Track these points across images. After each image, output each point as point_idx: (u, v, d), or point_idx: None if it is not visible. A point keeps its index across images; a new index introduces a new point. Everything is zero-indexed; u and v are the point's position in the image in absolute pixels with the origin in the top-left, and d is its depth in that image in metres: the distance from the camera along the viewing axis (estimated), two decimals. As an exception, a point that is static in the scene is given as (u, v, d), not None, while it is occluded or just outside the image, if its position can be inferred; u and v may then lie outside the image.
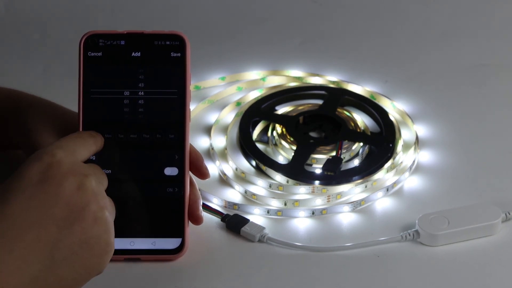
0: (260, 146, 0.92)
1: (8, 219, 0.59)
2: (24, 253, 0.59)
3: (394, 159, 0.89)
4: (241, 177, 0.87)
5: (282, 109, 0.97)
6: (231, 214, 0.81)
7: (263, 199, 0.84)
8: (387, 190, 0.85)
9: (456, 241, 0.78)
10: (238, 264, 0.76)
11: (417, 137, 0.92)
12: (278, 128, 0.93)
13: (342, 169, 0.87)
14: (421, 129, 0.94)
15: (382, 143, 0.91)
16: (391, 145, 0.90)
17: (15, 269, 0.58)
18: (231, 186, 0.87)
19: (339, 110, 0.96)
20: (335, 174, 0.86)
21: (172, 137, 0.75)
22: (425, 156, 0.90)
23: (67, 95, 0.81)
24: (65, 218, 0.61)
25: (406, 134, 0.93)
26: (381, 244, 0.78)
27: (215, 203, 0.84)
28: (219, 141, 0.93)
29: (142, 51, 0.75)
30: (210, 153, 0.91)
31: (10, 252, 0.58)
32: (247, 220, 0.80)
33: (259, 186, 0.86)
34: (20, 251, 0.59)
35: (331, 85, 1.02)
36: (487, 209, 0.80)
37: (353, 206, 0.83)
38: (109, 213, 0.65)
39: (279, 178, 0.87)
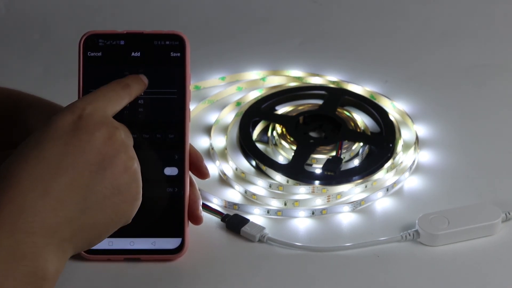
0: (260, 146, 0.92)
1: (43, 163, 0.61)
2: (59, 195, 0.61)
3: (394, 159, 0.89)
4: (241, 177, 0.87)
5: (282, 109, 0.97)
6: (231, 214, 0.81)
7: (263, 199, 0.84)
8: (387, 190, 0.85)
9: (456, 241, 0.78)
10: (238, 264, 0.76)
11: (417, 137, 0.92)
12: (278, 128, 0.93)
13: (342, 169, 0.87)
14: (421, 129, 0.94)
15: (382, 143, 0.91)
16: (391, 145, 0.90)
17: (51, 209, 0.60)
18: (231, 186, 0.87)
19: (339, 110, 0.96)
20: (335, 174, 0.86)
21: (172, 137, 0.75)
22: (425, 156, 0.90)
23: (67, 95, 0.81)
24: (98, 164, 0.63)
25: (406, 134, 0.93)
26: (381, 244, 0.78)
27: (215, 203, 0.84)
28: (219, 141, 0.93)
29: (142, 51, 0.75)
30: (210, 153, 0.91)
31: (46, 193, 0.60)
32: (247, 220, 0.80)
33: (259, 186, 0.86)
34: (56, 193, 0.61)
35: (331, 85, 1.02)
36: (487, 209, 0.80)
37: (353, 206, 0.83)
38: (137, 164, 0.67)
39: (279, 178, 0.87)
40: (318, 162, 0.88)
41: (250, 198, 0.85)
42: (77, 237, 0.62)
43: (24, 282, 0.58)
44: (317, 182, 0.86)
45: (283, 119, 0.94)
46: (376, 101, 0.98)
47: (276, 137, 0.92)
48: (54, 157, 0.62)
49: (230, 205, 0.83)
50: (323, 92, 1.00)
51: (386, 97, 0.99)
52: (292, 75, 1.04)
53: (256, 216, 0.82)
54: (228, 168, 0.89)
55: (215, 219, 0.81)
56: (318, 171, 0.87)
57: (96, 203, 0.63)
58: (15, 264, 0.58)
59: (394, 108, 0.98)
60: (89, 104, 0.65)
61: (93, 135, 0.63)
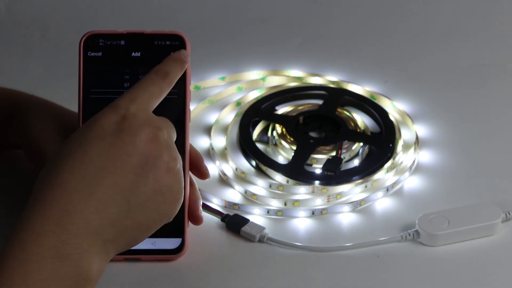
0: (260, 146, 0.92)
1: (88, 165, 0.61)
2: (103, 197, 0.61)
3: (394, 159, 0.89)
4: (241, 177, 0.87)
5: (282, 109, 0.97)
6: (231, 214, 0.81)
7: (263, 199, 0.84)
8: (387, 190, 0.85)
9: (456, 241, 0.78)
10: (238, 264, 0.76)
11: (417, 137, 0.92)
12: (278, 128, 0.93)
13: (342, 169, 0.87)
14: (421, 129, 0.94)
15: (382, 143, 0.91)
16: (391, 145, 0.90)
17: (95, 211, 0.61)
18: (231, 186, 0.87)
19: (339, 110, 0.96)
20: (335, 174, 0.86)
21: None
22: (425, 156, 0.90)
23: (67, 95, 0.81)
24: (141, 166, 0.63)
25: (406, 134, 0.93)
26: (381, 244, 0.78)
27: (215, 203, 0.84)
28: (219, 141, 0.93)
29: (142, 51, 0.75)
30: (210, 153, 0.91)
31: (90, 195, 0.61)
32: (247, 220, 0.80)
33: (259, 186, 0.86)
34: (100, 195, 0.61)
35: (331, 85, 1.02)
36: (487, 209, 0.80)
37: (353, 206, 0.83)
38: (180, 164, 0.67)
39: (279, 178, 0.87)
40: (318, 162, 0.88)
41: (250, 198, 0.85)
42: (120, 238, 0.63)
43: (68, 282, 0.59)
44: (317, 182, 0.86)
45: (283, 119, 0.94)
46: (376, 101, 0.98)
47: (276, 137, 0.92)
48: (98, 159, 0.62)
49: (230, 205, 0.83)
50: (323, 92, 1.00)
51: (386, 97, 0.99)
52: (292, 75, 1.04)
53: (256, 216, 0.82)
54: (228, 168, 0.89)
55: (215, 219, 0.81)
56: (318, 171, 0.87)
57: (139, 205, 0.63)
58: (60, 264, 0.58)
59: (394, 108, 0.98)
60: (132, 102, 0.65)
61: (136, 136, 0.64)
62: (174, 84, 0.70)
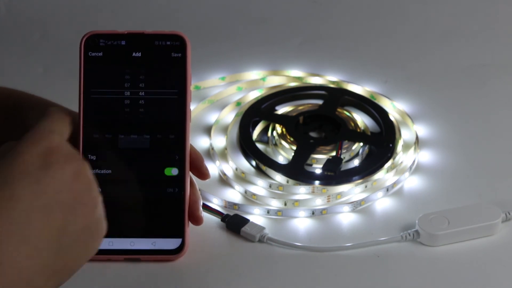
0: (260, 146, 0.92)
1: (16, 205, 0.58)
2: (35, 241, 0.58)
3: (394, 159, 0.89)
4: (241, 177, 0.87)
5: (282, 109, 0.97)
6: (231, 214, 0.81)
7: (263, 199, 0.84)
8: (387, 190, 0.85)
9: (456, 241, 0.78)
10: (238, 264, 0.76)
11: (417, 137, 0.92)
12: (278, 128, 0.93)
13: (342, 169, 0.87)
14: (421, 129, 0.94)
15: (382, 143, 0.91)
16: (391, 145, 0.90)
17: (27, 257, 0.57)
18: (231, 186, 0.87)
19: (339, 110, 0.96)
20: (335, 174, 0.86)
21: (173, 137, 0.75)
22: (425, 156, 0.90)
23: (67, 95, 0.81)
24: (70, 203, 0.60)
25: (406, 134, 0.93)
26: (381, 244, 0.78)
27: (215, 203, 0.84)
28: (219, 141, 0.93)
29: (143, 51, 0.75)
30: (210, 153, 0.91)
31: (22, 240, 0.57)
32: (247, 220, 0.80)
33: (259, 186, 0.86)
34: (31, 239, 0.58)
35: (331, 85, 1.02)
36: (487, 209, 0.80)
37: (353, 206, 0.83)
38: (101, 199, 0.64)
39: (279, 178, 0.87)
40: (318, 162, 0.88)
41: (250, 198, 0.85)
42: (50, 282, 0.60)
43: None
44: (317, 182, 0.86)
45: (283, 119, 0.94)
46: (376, 101, 0.98)
47: (276, 137, 0.92)
48: (27, 198, 0.58)
49: (230, 205, 0.83)
50: (323, 92, 1.00)
51: (386, 97, 0.99)
52: (292, 75, 1.04)
53: (256, 216, 0.82)
54: (228, 168, 0.89)
55: (215, 219, 0.81)
56: (318, 171, 0.87)
57: (69, 244, 0.60)
58: None
59: (394, 108, 0.98)
60: (53, 133, 0.62)
61: (64, 171, 0.60)
62: (75, 122, 0.68)
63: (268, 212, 0.82)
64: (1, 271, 0.55)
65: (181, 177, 0.75)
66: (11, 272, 0.56)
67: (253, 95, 1.00)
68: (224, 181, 0.87)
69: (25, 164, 0.60)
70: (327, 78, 1.03)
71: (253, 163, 0.90)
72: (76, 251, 0.61)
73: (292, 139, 0.91)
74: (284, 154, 0.91)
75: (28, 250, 0.57)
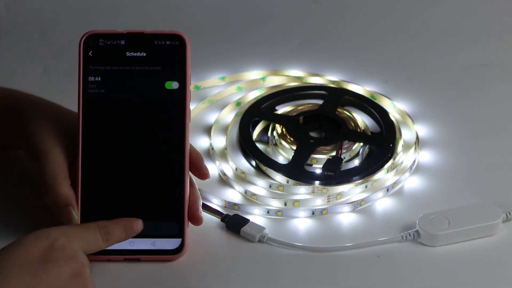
0: (260, 146, 0.92)
1: None
2: None
3: (394, 159, 0.89)
4: (241, 177, 0.87)
5: (282, 109, 0.97)
6: (231, 214, 0.81)
7: (263, 199, 0.84)
8: (387, 190, 0.85)
9: (457, 241, 0.78)
10: (238, 264, 0.76)
11: (417, 137, 0.92)
12: (278, 128, 0.93)
13: (342, 169, 0.87)
14: (421, 129, 0.94)
15: (382, 143, 0.91)
16: (391, 145, 0.90)
17: None
18: (231, 186, 0.87)
19: (339, 110, 0.96)
20: (335, 174, 0.86)
21: (172, 137, 0.75)
22: (426, 156, 0.90)
23: (67, 95, 0.81)
24: None
25: (406, 134, 0.93)
26: (381, 244, 0.78)
27: (215, 203, 0.83)
28: (219, 141, 0.93)
29: (143, 51, 0.74)
30: (210, 153, 0.91)
31: None
32: (247, 220, 0.80)
33: (259, 186, 0.86)
34: None
35: (331, 85, 1.02)
36: (487, 209, 0.79)
37: (353, 206, 0.83)
38: None
39: (279, 178, 0.87)
40: (318, 162, 0.88)
41: (250, 198, 0.85)
42: None
43: None
44: (317, 182, 0.86)
45: (283, 119, 0.94)
46: (376, 101, 0.98)
47: (276, 137, 0.92)
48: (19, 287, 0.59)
49: (230, 205, 0.83)
50: (323, 92, 1.00)
51: (386, 97, 0.99)
52: (292, 75, 1.04)
53: (256, 216, 0.82)
54: (228, 168, 0.89)
55: (215, 219, 0.81)
56: (318, 171, 0.87)
57: None
58: None
59: (394, 108, 0.98)
60: (64, 236, 0.64)
61: (62, 268, 0.62)
62: (111, 245, 0.70)
63: (268, 212, 0.82)
64: None
65: (181, 177, 0.75)
66: None
67: (253, 95, 1.00)
68: (224, 181, 0.87)
69: (27, 255, 0.61)
70: (327, 78, 1.03)
71: (253, 163, 0.90)
72: None
73: (292, 139, 0.91)
74: (284, 154, 0.91)
75: None
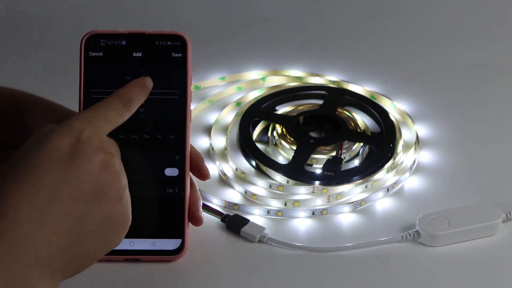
0: (260, 146, 0.92)
1: (40, 191, 0.59)
2: (54, 227, 0.60)
3: (394, 159, 0.89)
4: (241, 177, 0.87)
5: (282, 109, 0.97)
6: (231, 214, 0.81)
7: (263, 199, 0.84)
8: (388, 190, 0.85)
9: (457, 242, 0.78)
10: (238, 264, 0.76)
11: (417, 137, 0.92)
12: (278, 128, 0.93)
13: (342, 169, 0.87)
14: (421, 129, 0.94)
15: (382, 143, 0.91)
16: (391, 145, 0.90)
17: (46, 241, 0.59)
18: (231, 186, 0.87)
19: (339, 110, 0.96)
20: (335, 174, 0.86)
21: (173, 137, 0.75)
22: (426, 156, 0.90)
23: (67, 95, 0.81)
24: (93, 194, 0.62)
25: (406, 134, 0.93)
26: (381, 245, 0.78)
27: (215, 203, 0.84)
28: (219, 141, 0.93)
29: (143, 51, 0.75)
30: (210, 153, 0.91)
31: (42, 224, 0.59)
32: (247, 220, 0.80)
33: (259, 186, 0.86)
34: (51, 225, 0.59)
35: (331, 85, 1.02)
36: (487, 209, 0.80)
37: (353, 206, 0.83)
38: (128, 192, 0.66)
39: (279, 178, 0.87)
40: (318, 162, 0.88)
41: (250, 198, 0.85)
42: (68, 267, 0.62)
43: None
44: (317, 182, 0.86)
45: (283, 119, 0.94)
46: (376, 101, 0.98)
47: (276, 137, 0.92)
48: (50, 185, 0.60)
49: (230, 205, 0.83)
50: (323, 92, 1.00)
51: (386, 97, 0.99)
52: (292, 75, 1.04)
53: (256, 216, 0.82)
54: (228, 168, 0.89)
55: (215, 219, 0.81)
56: (318, 171, 0.87)
57: (89, 234, 0.62)
58: None
59: (394, 108, 0.98)
60: (87, 125, 0.63)
61: (91, 161, 0.61)
62: (133, 111, 0.68)
63: (268, 212, 0.82)
64: (19, 251, 0.58)
65: (181, 177, 0.75)
66: (29, 253, 0.58)
67: (253, 95, 1.00)
68: (224, 181, 0.87)
69: (54, 151, 0.61)
70: (327, 78, 1.03)
71: (253, 163, 0.90)
72: (95, 241, 0.63)
73: (292, 139, 0.91)
74: (284, 154, 0.91)
75: (47, 234, 0.59)
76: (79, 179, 0.61)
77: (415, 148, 0.90)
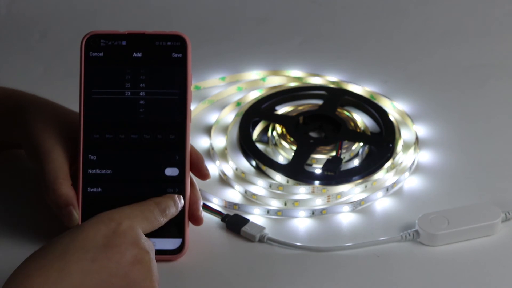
0: (260, 146, 0.92)
1: (65, 277, 0.58)
2: None
3: (394, 159, 0.89)
4: (241, 177, 0.88)
5: (282, 109, 0.97)
6: (231, 214, 0.81)
7: (263, 199, 0.84)
8: (387, 190, 0.85)
9: (456, 241, 0.78)
10: (238, 264, 0.76)
11: (417, 137, 0.92)
12: (278, 128, 0.93)
13: (342, 169, 0.87)
14: (421, 129, 0.94)
15: (382, 143, 0.91)
16: (391, 145, 0.90)
17: None
18: (231, 186, 0.87)
19: (339, 110, 0.96)
20: (335, 174, 0.86)
21: (173, 137, 0.75)
22: (425, 156, 0.90)
23: (68, 95, 0.81)
24: None
25: (406, 134, 0.93)
26: (381, 244, 0.78)
27: (215, 203, 0.84)
28: (219, 141, 0.93)
29: (143, 52, 0.75)
30: (210, 153, 0.91)
31: None
32: (247, 220, 0.80)
33: (259, 186, 0.86)
34: None
35: (331, 85, 1.02)
36: (487, 209, 0.80)
37: (353, 206, 0.83)
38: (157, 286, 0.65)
39: (279, 178, 0.87)
40: (318, 162, 0.88)
41: (250, 198, 0.85)
42: None
43: None
44: (317, 182, 0.86)
45: (283, 119, 0.94)
46: (376, 101, 0.98)
47: (276, 137, 0.92)
48: (78, 275, 0.59)
49: (230, 205, 0.83)
50: (323, 92, 1.00)
51: (386, 97, 0.99)
52: (292, 75, 1.04)
53: (256, 216, 0.82)
54: (228, 168, 0.89)
55: (215, 219, 0.81)
56: (318, 171, 0.87)
57: None
58: None
59: (394, 108, 0.98)
60: (126, 219, 0.63)
61: (123, 255, 0.61)
62: (166, 221, 0.70)
63: (268, 212, 0.82)
64: None
65: (182, 177, 0.75)
66: None
67: (253, 95, 1.00)
68: (224, 181, 0.88)
69: (88, 240, 0.60)
70: (327, 78, 1.03)
71: (253, 163, 0.90)
72: None
73: (292, 139, 0.91)
74: (284, 154, 0.91)
75: None
76: (109, 271, 0.60)
77: (414, 148, 0.90)
